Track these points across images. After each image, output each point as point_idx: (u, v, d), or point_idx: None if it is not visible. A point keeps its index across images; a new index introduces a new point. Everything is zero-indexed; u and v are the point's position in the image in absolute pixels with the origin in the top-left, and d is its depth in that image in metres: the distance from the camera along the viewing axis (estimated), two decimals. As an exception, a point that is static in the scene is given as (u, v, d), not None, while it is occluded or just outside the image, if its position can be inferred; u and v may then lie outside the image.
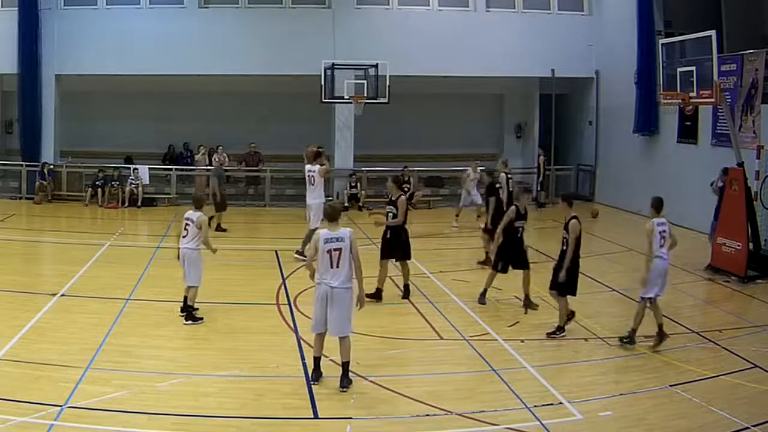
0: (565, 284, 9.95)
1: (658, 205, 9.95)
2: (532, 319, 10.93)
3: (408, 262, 12.02)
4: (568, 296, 10.11)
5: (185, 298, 10.53)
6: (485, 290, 11.70)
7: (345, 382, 8.16)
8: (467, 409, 7.67)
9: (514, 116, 26.28)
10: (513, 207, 11.52)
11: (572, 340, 10.16)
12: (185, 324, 10.37)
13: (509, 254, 11.40)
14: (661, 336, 9.61)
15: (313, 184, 14.27)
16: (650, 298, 9.60)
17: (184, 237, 10.53)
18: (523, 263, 11.47)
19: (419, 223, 17.37)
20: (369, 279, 13.26)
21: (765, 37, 17.58)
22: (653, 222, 9.70)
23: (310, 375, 8.36)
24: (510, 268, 11.49)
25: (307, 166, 14.39)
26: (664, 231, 9.70)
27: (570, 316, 10.25)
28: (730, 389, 8.34)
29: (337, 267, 8.06)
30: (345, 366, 8.22)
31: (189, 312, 10.43)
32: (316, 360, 8.38)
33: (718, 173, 14.94)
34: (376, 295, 11.54)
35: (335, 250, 8.03)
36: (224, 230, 17.56)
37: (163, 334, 9.94)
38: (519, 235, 11.42)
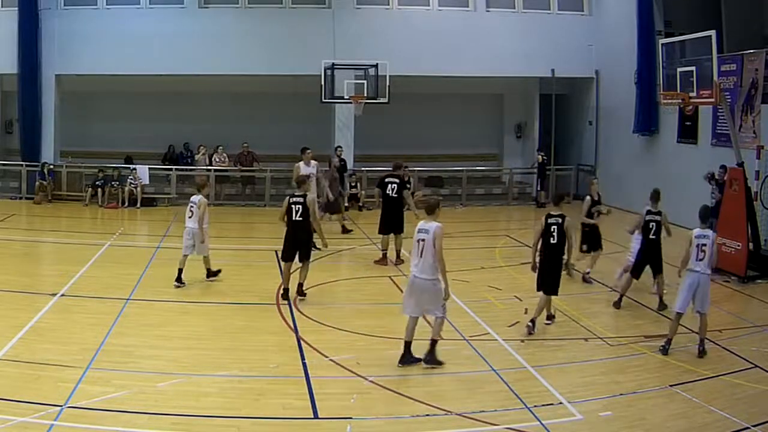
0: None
1: (703, 215, 9.62)
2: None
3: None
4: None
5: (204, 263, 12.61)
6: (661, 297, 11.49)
7: (427, 357, 8.78)
8: (467, 409, 7.67)
9: (514, 116, 26.28)
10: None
11: (572, 340, 10.17)
12: (207, 280, 12.48)
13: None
14: (700, 350, 9.45)
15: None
16: (700, 313, 9.45)
17: (189, 218, 12.36)
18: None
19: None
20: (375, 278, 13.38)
21: (765, 37, 17.59)
22: (693, 232, 9.39)
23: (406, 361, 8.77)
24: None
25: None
26: (703, 244, 9.30)
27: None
28: (730, 389, 8.34)
29: (421, 257, 8.68)
30: (431, 343, 8.82)
31: (209, 272, 12.56)
32: (406, 344, 8.85)
33: (718, 171, 14.95)
34: None
35: (421, 240, 8.70)
36: (349, 231, 17.35)
37: (163, 334, 9.93)
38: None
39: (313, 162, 15.04)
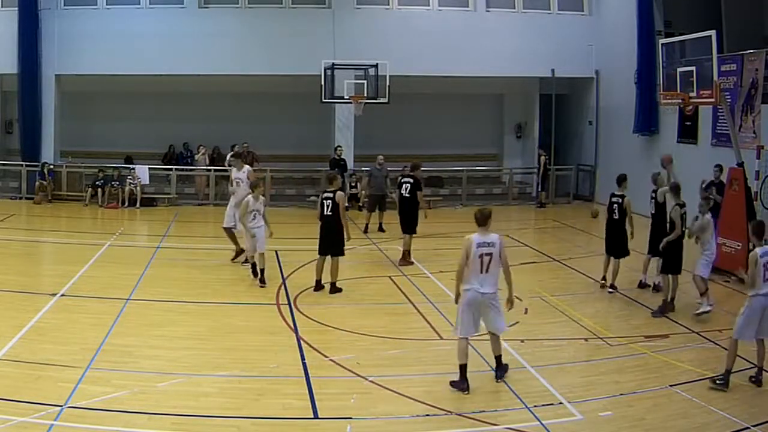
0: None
1: (759, 231, 8.75)
2: (532, 319, 10.94)
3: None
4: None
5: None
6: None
7: (500, 372, 8.53)
8: (467, 409, 7.67)
9: (514, 116, 26.27)
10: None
11: (572, 340, 10.17)
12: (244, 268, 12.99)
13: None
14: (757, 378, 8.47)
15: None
16: (758, 340, 8.42)
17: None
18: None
19: (419, 223, 17.35)
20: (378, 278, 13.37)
21: (765, 37, 17.58)
22: (757, 252, 8.48)
23: (461, 386, 8.05)
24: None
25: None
26: None
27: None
28: (730, 389, 8.33)
29: (487, 272, 8.19)
30: (497, 359, 8.60)
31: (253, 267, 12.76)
32: (463, 368, 8.16)
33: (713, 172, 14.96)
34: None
35: (486, 255, 8.16)
36: (384, 231, 17.77)
37: (163, 334, 9.93)
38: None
39: (246, 167, 14.47)
